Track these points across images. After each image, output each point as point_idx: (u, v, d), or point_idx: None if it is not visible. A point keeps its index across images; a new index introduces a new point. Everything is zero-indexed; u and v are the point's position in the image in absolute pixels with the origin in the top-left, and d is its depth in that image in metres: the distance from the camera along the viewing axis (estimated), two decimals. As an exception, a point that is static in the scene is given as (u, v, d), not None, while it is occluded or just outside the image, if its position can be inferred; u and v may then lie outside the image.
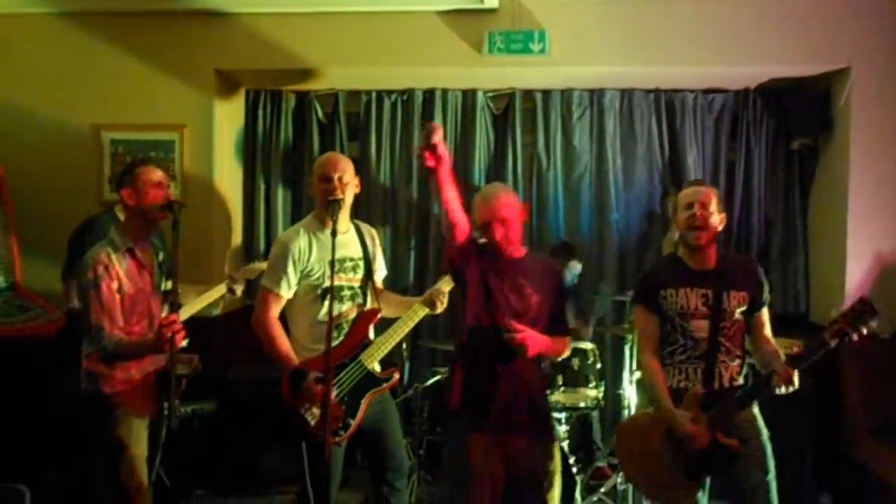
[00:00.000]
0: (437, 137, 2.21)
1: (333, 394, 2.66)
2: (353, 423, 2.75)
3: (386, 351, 2.87)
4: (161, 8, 4.22)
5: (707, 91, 4.55)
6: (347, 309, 2.82)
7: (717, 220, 2.67)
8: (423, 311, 2.93)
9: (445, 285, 2.93)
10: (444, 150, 2.26)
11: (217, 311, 4.39)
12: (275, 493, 3.89)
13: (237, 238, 4.71)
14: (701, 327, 2.58)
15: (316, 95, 4.73)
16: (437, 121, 4.65)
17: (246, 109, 4.75)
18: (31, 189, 4.26)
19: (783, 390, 2.41)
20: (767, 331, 2.68)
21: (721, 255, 2.70)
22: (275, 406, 3.85)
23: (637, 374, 3.86)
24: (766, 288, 2.71)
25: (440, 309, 2.93)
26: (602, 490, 3.82)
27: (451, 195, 2.38)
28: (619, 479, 3.91)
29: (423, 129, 2.23)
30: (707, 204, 2.64)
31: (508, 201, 2.56)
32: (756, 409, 2.65)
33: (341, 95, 4.72)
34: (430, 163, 2.24)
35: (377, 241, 3.06)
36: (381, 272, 3.07)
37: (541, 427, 2.60)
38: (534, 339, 2.46)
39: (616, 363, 4.27)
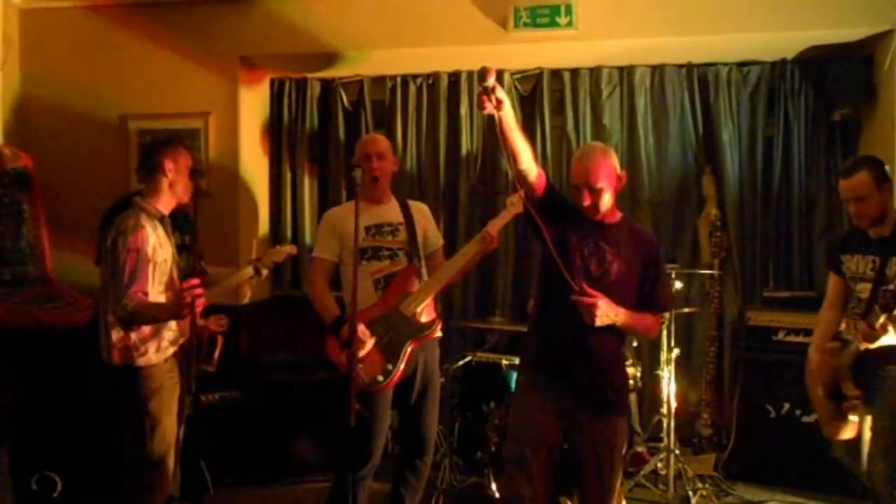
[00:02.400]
0: (492, 79, 2.09)
1: (371, 341, 2.74)
2: (395, 369, 2.76)
3: (429, 296, 2.87)
4: (184, -4, 4.24)
5: (742, 64, 4.41)
6: (386, 265, 2.92)
7: (875, 200, 2.64)
8: (472, 251, 2.83)
9: (496, 224, 2.83)
10: (503, 94, 2.13)
11: (245, 301, 4.39)
12: (305, 481, 3.84)
13: (263, 224, 4.68)
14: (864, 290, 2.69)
15: (341, 83, 4.70)
16: (464, 104, 4.60)
17: (271, 97, 4.74)
18: (60, 180, 4.30)
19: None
20: None
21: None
22: (305, 391, 3.89)
23: (675, 353, 3.73)
24: None
25: (491, 246, 2.81)
26: (641, 473, 3.67)
27: (518, 143, 2.24)
28: (658, 464, 3.78)
29: (478, 74, 2.10)
30: (860, 195, 2.65)
31: (604, 167, 2.37)
32: None
33: (366, 82, 4.69)
34: (489, 108, 2.11)
35: (428, 216, 3.18)
36: (433, 241, 3.13)
37: (608, 401, 2.41)
38: (605, 307, 2.26)
39: (653, 343, 4.11)
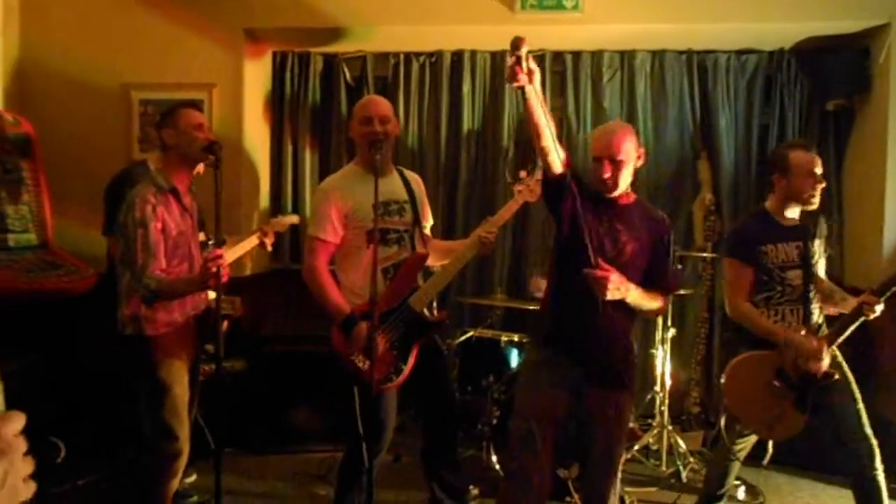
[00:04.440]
0: (525, 49, 1.98)
1: (383, 339, 2.64)
2: (405, 368, 2.71)
3: (434, 294, 2.83)
4: (191, -33, 4.21)
5: (740, 52, 4.49)
6: (394, 252, 2.76)
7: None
8: (471, 253, 2.87)
9: (490, 227, 2.87)
10: (535, 65, 2.03)
11: (246, 272, 4.42)
12: (306, 451, 3.91)
13: (265, 196, 4.71)
14: (797, 276, 2.82)
15: (344, 58, 4.70)
16: (466, 83, 4.63)
17: (273, 71, 4.73)
18: (62, 149, 4.26)
19: (871, 317, 2.66)
20: (822, 271, 2.97)
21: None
22: (306, 362, 3.94)
23: (671, 333, 3.85)
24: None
25: (489, 249, 2.87)
26: (635, 448, 3.80)
27: (544, 118, 2.18)
28: (650, 440, 3.91)
29: (511, 44, 1.97)
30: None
31: (626, 141, 2.38)
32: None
33: (369, 58, 4.70)
34: (521, 79, 2.00)
35: (423, 188, 3.00)
36: (428, 220, 3.01)
37: (619, 376, 2.45)
38: (616, 282, 2.28)
39: (647, 323, 4.22)
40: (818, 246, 2.90)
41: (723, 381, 2.82)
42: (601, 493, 2.46)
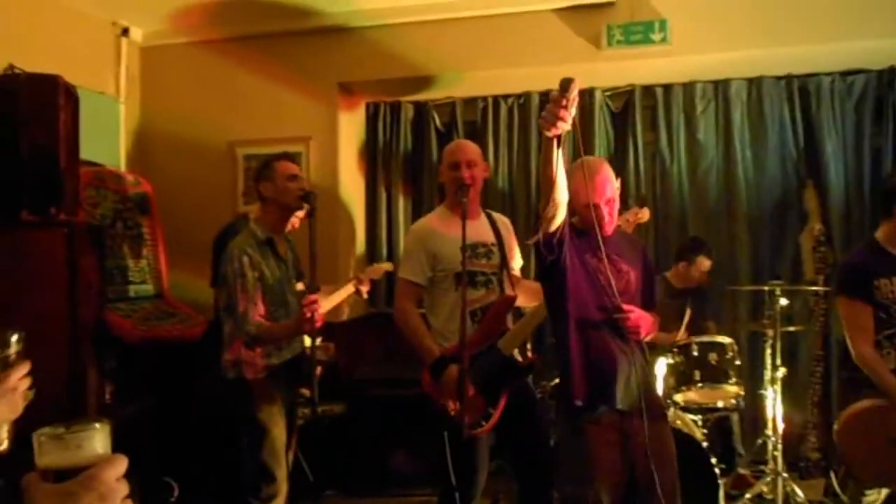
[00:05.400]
0: (575, 91, 1.81)
1: (472, 383, 2.58)
2: (495, 412, 2.66)
3: (524, 337, 2.81)
4: (288, 28, 4.48)
5: (845, 73, 4.27)
6: (482, 295, 2.75)
7: None
8: None
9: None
10: (575, 110, 1.86)
11: (343, 318, 4.54)
12: (403, 494, 3.92)
13: (360, 243, 4.85)
14: None
15: (434, 105, 4.83)
16: (555, 122, 4.62)
17: (367, 121, 4.92)
18: (176, 205, 4.57)
19: None
20: None
21: None
22: (403, 406, 3.98)
23: (781, 372, 3.62)
24: None
25: None
26: (747, 497, 3.56)
27: (563, 170, 2.06)
28: (764, 488, 3.66)
29: (560, 85, 1.80)
30: None
31: (613, 178, 2.37)
32: None
33: (458, 103, 4.80)
34: (567, 123, 1.84)
35: (511, 230, 2.99)
36: (517, 261, 2.98)
37: (658, 409, 2.42)
38: (644, 319, 2.31)
39: (754, 362, 4.00)
40: None
41: (835, 429, 2.61)
42: None
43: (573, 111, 1.83)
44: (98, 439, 0.83)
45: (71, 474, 0.79)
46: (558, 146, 1.93)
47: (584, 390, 2.38)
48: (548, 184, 2.05)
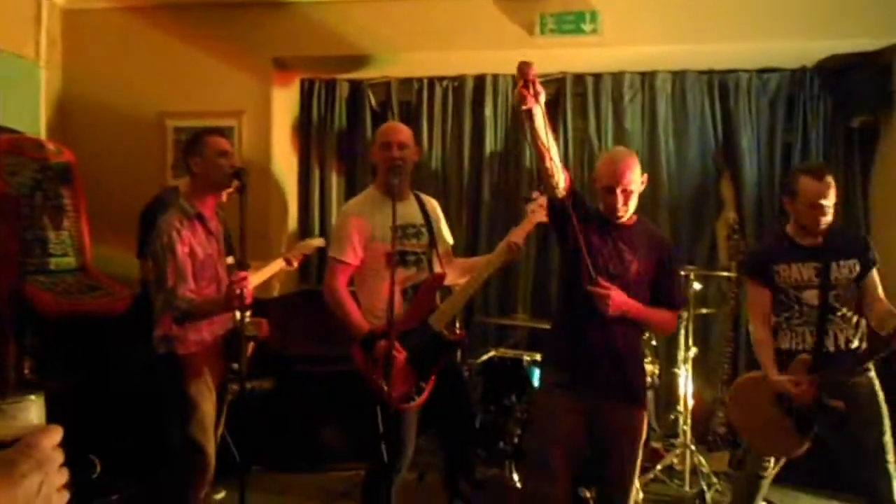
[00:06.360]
0: (533, 73, 2.09)
1: (403, 359, 2.68)
2: (425, 387, 2.76)
3: (454, 313, 2.89)
4: (222, -1, 4.38)
5: (762, 71, 4.50)
6: (413, 273, 2.84)
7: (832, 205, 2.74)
8: (493, 267, 2.91)
9: (519, 233, 2.93)
10: (540, 87, 2.12)
11: (274, 293, 4.54)
12: (332, 469, 3.98)
13: (293, 220, 4.83)
14: (813, 296, 2.75)
15: (369, 84, 4.83)
16: (488, 106, 4.71)
17: (301, 97, 4.88)
18: (100, 176, 4.44)
19: None
20: (880, 292, 2.79)
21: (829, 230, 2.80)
22: (332, 381, 4.02)
23: (692, 352, 3.84)
24: (872, 252, 2.81)
25: (517, 255, 2.91)
26: (658, 468, 3.78)
27: (547, 141, 2.24)
28: (674, 460, 3.89)
29: (518, 69, 2.09)
30: (831, 198, 2.72)
31: (634, 170, 2.48)
32: (873, 374, 2.74)
33: (394, 83, 4.82)
34: (530, 102, 2.09)
35: (439, 211, 3.09)
36: (445, 241, 3.06)
37: (632, 392, 2.52)
38: (619, 298, 2.39)
39: (669, 342, 4.22)
40: (853, 265, 2.76)
41: (726, 403, 2.83)
42: None
43: (540, 89, 2.11)
44: (33, 410, 0.86)
45: (8, 445, 0.82)
46: (528, 119, 2.18)
47: (557, 353, 2.58)
48: (536, 151, 2.29)
